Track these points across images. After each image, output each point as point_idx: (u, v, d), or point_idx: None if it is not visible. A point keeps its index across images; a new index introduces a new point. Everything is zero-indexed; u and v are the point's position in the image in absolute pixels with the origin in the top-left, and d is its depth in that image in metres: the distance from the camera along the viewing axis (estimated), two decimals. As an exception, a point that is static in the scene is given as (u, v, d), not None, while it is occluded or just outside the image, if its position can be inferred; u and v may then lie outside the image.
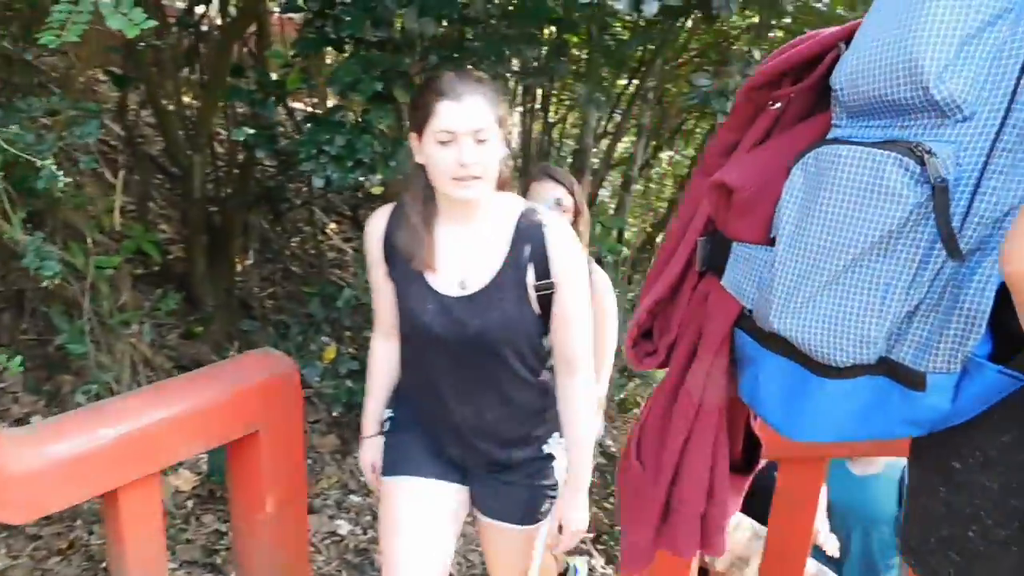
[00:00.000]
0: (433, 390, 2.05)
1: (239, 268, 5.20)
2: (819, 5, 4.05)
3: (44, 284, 2.68)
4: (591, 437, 2.13)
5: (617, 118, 5.69)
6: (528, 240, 1.92)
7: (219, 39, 4.39)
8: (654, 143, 6.24)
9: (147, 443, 2.06)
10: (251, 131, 3.38)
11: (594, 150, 5.41)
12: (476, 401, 2.03)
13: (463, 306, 1.94)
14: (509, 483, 2.12)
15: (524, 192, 2.60)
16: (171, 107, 4.78)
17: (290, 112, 5.05)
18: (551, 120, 5.72)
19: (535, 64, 3.48)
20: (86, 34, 1.66)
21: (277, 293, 5.72)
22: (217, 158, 4.98)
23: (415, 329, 2.00)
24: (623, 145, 6.37)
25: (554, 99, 5.67)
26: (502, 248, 1.93)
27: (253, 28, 4.64)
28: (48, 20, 1.65)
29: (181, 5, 5.14)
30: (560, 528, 2.12)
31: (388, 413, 2.24)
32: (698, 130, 7.14)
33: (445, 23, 3.15)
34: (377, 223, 2.03)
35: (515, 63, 3.40)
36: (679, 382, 1.40)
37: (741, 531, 2.38)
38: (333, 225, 6.93)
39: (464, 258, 1.96)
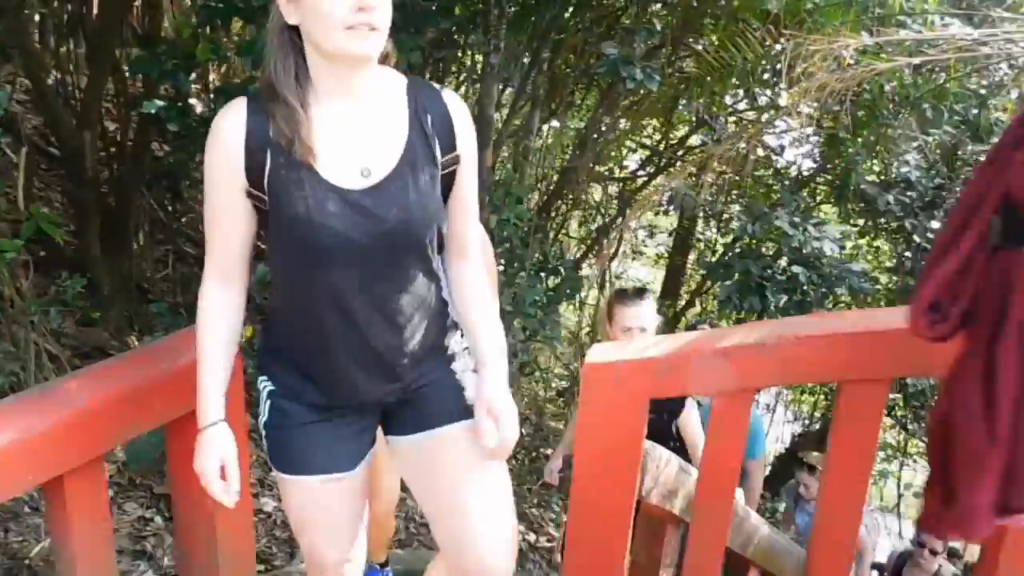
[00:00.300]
0: (335, 319, 1.64)
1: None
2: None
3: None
4: (496, 316, 1.85)
5: (510, 90, 5.79)
6: (427, 110, 1.64)
7: (106, 8, 4.20)
8: (542, 114, 6.36)
9: (91, 426, 2.01)
10: (161, 104, 3.26)
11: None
12: (391, 314, 1.67)
13: (373, 198, 1.58)
14: (421, 392, 1.79)
15: None
16: (50, 82, 4.57)
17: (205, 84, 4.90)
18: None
19: (455, 36, 3.50)
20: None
21: (170, 275, 5.56)
22: (105, 135, 4.79)
23: (310, 241, 1.56)
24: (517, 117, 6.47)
25: (452, 71, 5.69)
26: (400, 122, 1.62)
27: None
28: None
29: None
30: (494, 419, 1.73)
31: (266, 386, 1.81)
32: (586, 103, 7.31)
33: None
34: (233, 118, 1.57)
35: (430, 35, 3.41)
36: (991, 342, 1.57)
37: (671, 467, 2.50)
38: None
39: (358, 140, 1.60)
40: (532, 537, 5.15)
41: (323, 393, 1.75)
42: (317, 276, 1.62)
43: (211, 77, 5.68)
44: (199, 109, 4.49)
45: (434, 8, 3.14)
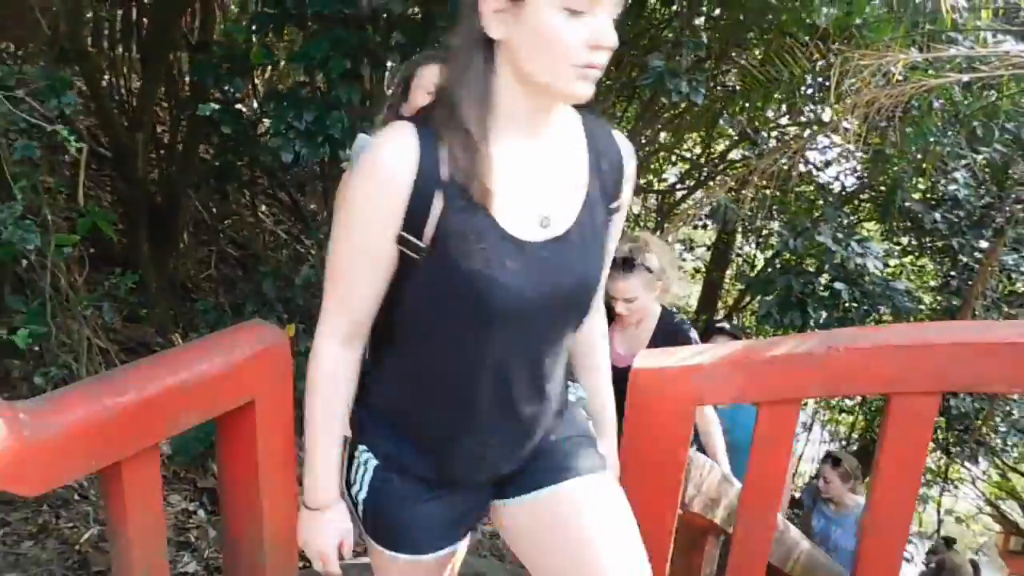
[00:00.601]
0: (490, 386, 1.42)
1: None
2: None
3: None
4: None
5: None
6: (604, 153, 1.44)
7: (160, 14, 4.30)
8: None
9: (151, 414, 2.05)
10: (216, 107, 3.34)
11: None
12: (539, 378, 1.48)
13: (554, 252, 1.37)
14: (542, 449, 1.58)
15: None
16: (104, 84, 4.67)
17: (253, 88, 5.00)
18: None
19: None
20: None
21: (213, 275, 5.65)
22: (155, 137, 4.89)
23: (481, 299, 1.32)
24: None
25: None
26: (580, 165, 1.41)
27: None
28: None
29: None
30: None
31: (367, 456, 1.54)
32: (627, 115, 7.32)
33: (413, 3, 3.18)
34: (401, 147, 1.29)
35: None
36: None
37: (714, 475, 2.49)
38: (264, 208, 6.86)
39: (537, 183, 1.37)
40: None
41: (439, 468, 1.52)
42: (479, 338, 1.37)
43: (256, 81, 5.78)
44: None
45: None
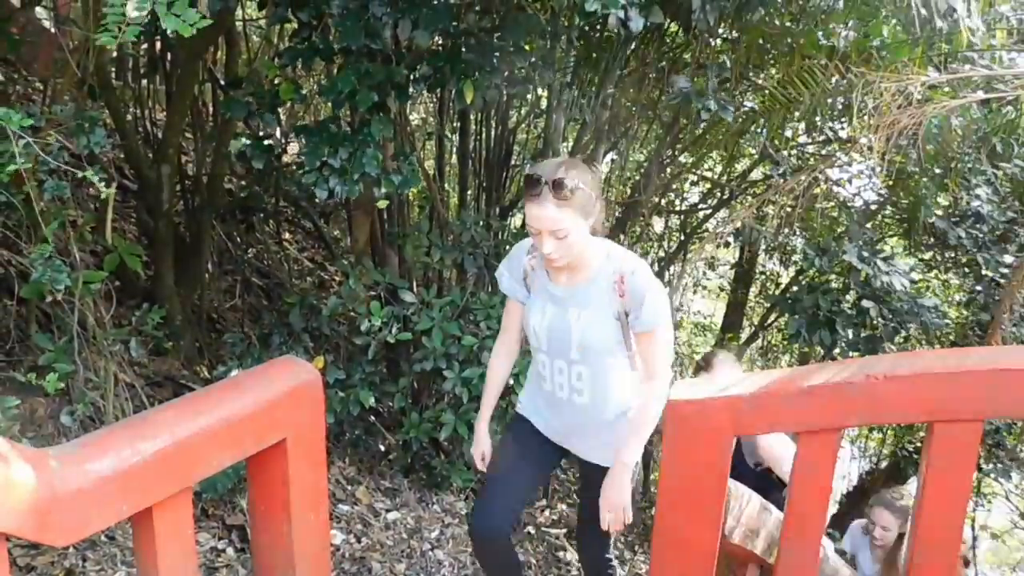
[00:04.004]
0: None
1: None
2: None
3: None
4: None
5: (572, 123, 5.81)
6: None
7: (187, 48, 4.32)
8: (604, 146, 6.38)
9: (184, 456, 2.04)
10: (247, 142, 3.35)
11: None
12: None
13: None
14: None
15: None
16: (128, 117, 4.70)
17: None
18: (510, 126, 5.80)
19: (522, 74, 3.55)
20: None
21: (239, 306, 5.65)
22: (181, 168, 4.90)
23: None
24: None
25: (515, 105, 5.73)
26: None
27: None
28: (104, 21, 1.63)
29: (136, 14, 5.07)
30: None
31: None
32: (648, 136, 7.32)
33: (438, 36, 3.19)
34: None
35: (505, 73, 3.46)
36: None
37: (752, 505, 2.46)
38: (288, 235, 6.88)
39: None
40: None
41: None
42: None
43: (282, 116, 5.82)
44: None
45: (510, 47, 3.19)
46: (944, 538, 2.11)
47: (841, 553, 4.21)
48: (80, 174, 2.69)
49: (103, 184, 2.30)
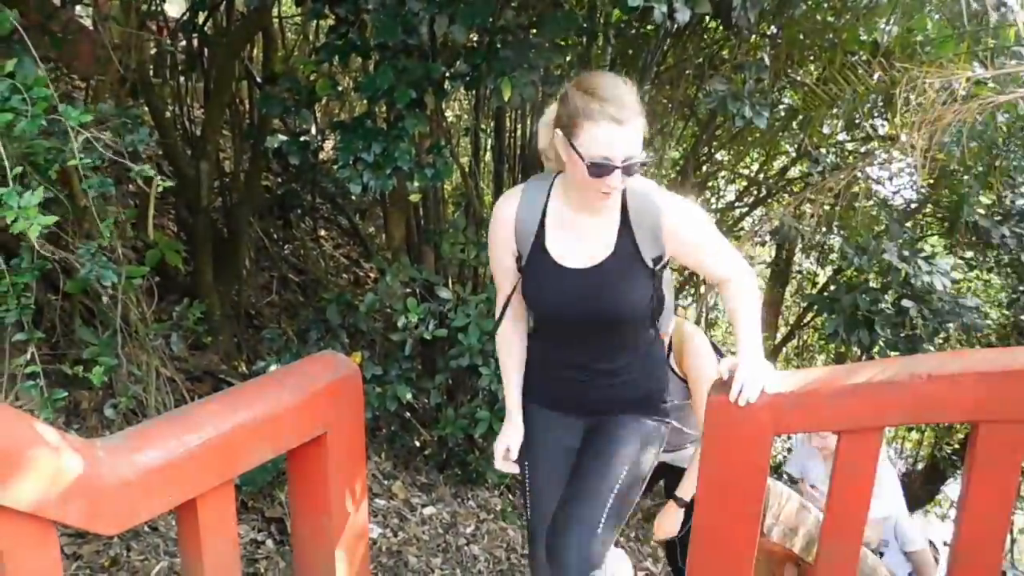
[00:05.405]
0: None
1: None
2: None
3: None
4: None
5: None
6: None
7: (225, 46, 4.37)
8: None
9: (227, 449, 2.07)
10: (284, 138, 3.38)
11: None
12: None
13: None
14: None
15: None
16: (167, 114, 4.76)
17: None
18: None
19: (559, 71, 3.55)
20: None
21: (276, 302, 5.70)
22: (219, 165, 4.96)
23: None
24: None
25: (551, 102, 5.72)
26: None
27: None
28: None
29: (174, 14, 5.15)
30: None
31: None
32: (685, 133, 7.27)
33: (475, 32, 3.19)
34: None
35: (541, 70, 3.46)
36: None
37: (791, 503, 2.45)
38: (323, 232, 6.93)
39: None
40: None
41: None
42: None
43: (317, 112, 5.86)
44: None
45: (547, 45, 3.19)
46: (988, 539, 2.09)
47: (791, 482, 4.15)
48: (131, 169, 2.74)
49: (158, 178, 2.33)
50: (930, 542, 4.14)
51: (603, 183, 1.90)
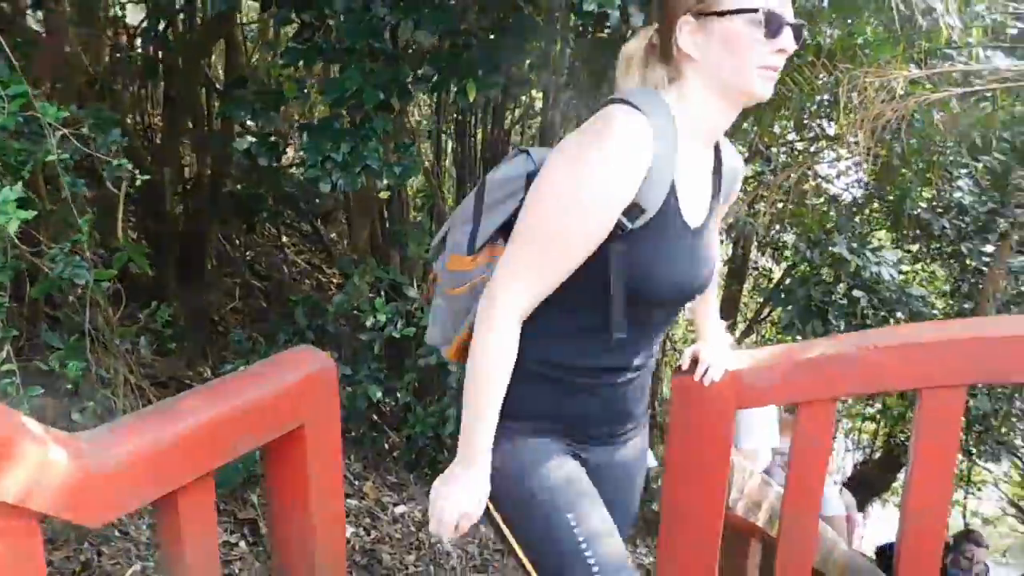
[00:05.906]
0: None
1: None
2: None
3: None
4: None
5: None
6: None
7: (187, 52, 4.40)
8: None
9: (207, 441, 2.10)
10: (253, 140, 3.42)
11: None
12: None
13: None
14: None
15: None
16: (128, 120, 4.76)
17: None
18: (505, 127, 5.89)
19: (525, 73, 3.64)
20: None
21: (239, 307, 5.71)
22: (181, 170, 4.97)
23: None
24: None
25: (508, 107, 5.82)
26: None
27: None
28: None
29: (135, 21, 5.15)
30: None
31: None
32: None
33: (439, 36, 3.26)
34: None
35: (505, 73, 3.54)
36: None
37: (754, 479, 2.55)
38: (285, 238, 6.94)
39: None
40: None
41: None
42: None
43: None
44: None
45: (512, 48, 3.28)
46: (934, 502, 2.21)
47: None
48: (103, 169, 2.76)
49: (136, 171, 2.37)
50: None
51: (777, 46, 1.41)
